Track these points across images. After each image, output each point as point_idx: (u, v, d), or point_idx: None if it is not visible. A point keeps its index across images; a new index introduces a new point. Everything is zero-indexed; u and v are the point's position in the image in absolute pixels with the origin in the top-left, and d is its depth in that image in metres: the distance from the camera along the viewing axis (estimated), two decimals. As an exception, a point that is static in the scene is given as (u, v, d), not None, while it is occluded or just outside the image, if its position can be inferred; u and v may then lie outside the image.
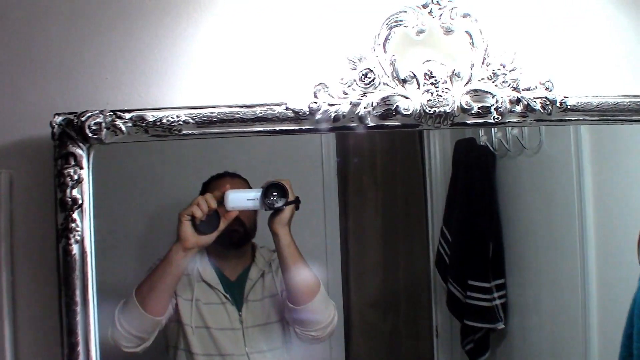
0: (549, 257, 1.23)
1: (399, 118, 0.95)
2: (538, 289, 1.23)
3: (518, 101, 0.97)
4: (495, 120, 0.96)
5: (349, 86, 0.94)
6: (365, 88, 0.93)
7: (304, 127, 0.94)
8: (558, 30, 1.06)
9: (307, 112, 0.92)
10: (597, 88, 1.04)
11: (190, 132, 0.92)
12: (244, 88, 0.99)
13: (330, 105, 0.93)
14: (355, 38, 0.97)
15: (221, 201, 1.04)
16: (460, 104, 0.95)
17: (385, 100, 0.94)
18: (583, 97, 0.99)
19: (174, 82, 1.00)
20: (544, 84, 0.98)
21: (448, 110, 0.94)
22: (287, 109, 0.92)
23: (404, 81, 0.94)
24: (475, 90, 0.96)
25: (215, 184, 1.08)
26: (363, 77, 0.93)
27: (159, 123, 0.90)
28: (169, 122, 0.91)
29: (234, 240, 1.11)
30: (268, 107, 0.93)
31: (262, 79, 1.00)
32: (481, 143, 1.22)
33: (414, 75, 0.94)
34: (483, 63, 0.96)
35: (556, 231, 1.22)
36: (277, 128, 0.94)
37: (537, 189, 1.25)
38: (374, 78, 0.93)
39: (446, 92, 0.94)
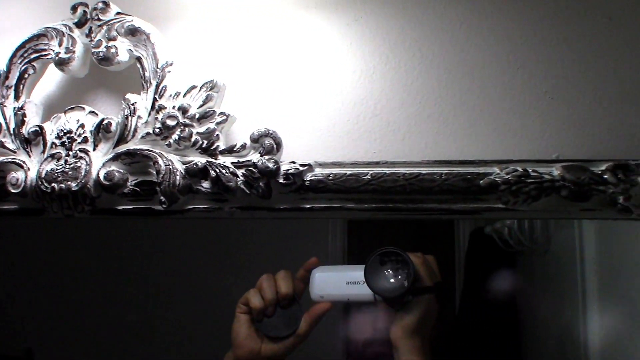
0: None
1: (15, 198, 0.59)
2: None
3: (204, 172, 0.54)
4: (164, 205, 0.54)
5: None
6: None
7: None
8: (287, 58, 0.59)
9: None
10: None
11: None
12: None
13: None
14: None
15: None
16: (98, 177, 0.55)
17: (-6, 170, 0.60)
18: (337, 167, 0.51)
19: None
20: (257, 142, 0.53)
21: (75, 188, 0.55)
22: None
23: (28, 141, 0.59)
24: (130, 154, 0.56)
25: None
26: (-29, 136, 0.61)
27: None
28: None
29: None
30: None
31: None
32: (487, 232, 0.76)
33: (40, 131, 0.59)
34: (153, 108, 0.56)
35: None
36: None
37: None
38: (-19, 137, 0.60)
39: (79, 159, 0.56)
